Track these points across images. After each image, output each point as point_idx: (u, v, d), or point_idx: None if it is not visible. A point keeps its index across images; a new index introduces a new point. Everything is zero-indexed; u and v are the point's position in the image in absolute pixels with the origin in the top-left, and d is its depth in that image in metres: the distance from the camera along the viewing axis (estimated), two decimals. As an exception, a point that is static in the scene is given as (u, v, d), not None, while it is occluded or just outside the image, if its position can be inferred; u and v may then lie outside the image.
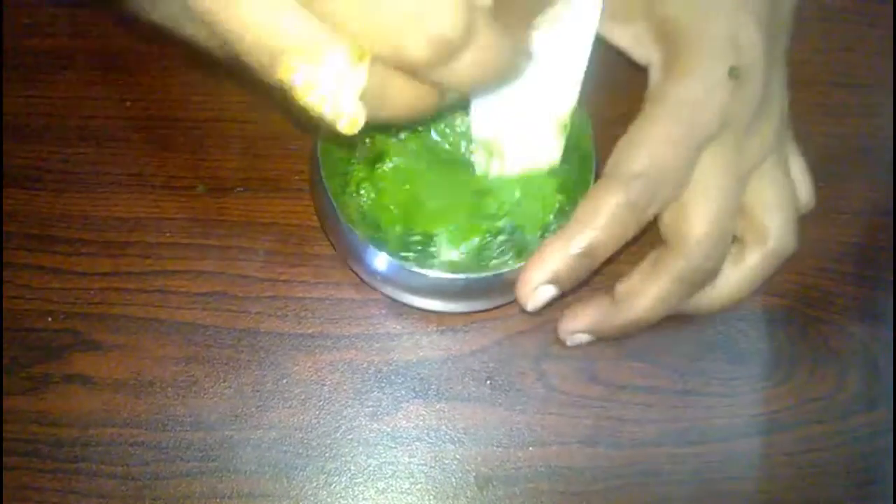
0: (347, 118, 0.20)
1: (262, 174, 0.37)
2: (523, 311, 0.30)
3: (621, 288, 0.31)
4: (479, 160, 0.32)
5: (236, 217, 0.36)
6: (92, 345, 0.34)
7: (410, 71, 0.20)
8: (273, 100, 0.23)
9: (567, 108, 0.30)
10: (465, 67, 0.20)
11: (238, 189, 0.36)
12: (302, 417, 0.33)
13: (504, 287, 0.31)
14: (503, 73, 0.21)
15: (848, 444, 0.35)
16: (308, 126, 0.26)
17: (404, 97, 0.21)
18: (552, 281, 0.29)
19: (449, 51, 0.19)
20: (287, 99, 0.20)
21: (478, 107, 0.30)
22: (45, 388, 0.33)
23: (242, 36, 0.19)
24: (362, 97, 0.20)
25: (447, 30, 0.18)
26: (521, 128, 0.30)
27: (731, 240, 0.31)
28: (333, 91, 0.19)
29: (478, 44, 0.19)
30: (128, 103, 0.38)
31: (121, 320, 0.34)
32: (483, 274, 0.30)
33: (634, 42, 0.31)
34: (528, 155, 0.32)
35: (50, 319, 0.34)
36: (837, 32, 0.41)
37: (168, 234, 0.35)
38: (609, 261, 0.30)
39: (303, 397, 0.34)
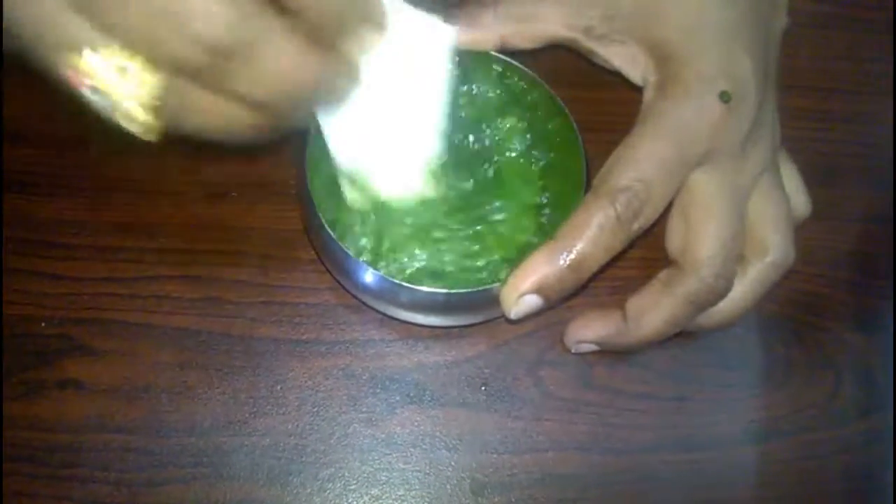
0: (137, 122, 0.21)
1: (255, 179, 0.37)
2: (507, 320, 0.30)
3: (632, 305, 0.31)
4: (345, 190, 0.31)
5: (230, 222, 0.36)
6: (86, 350, 0.34)
7: (195, 76, 0.20)
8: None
9: (428, 145, 0.30)
10: (259, 76, 0.20)
11: (232, 194, 0.36)
12: (296, 423, 0.33)
13: (486, 303, 0.30)
14: (313, 88, 0.21)
15: (843, 451, 0.35)
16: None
17: (207, 109, 0.21)
18: (538, 291, 0.29)
19: (220, 53, 0.19)
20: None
21: (335, 136, 0.29)
22: (39, 394, 0.33)
23: (27, 30, 0.19)
24: (161, 106, 0.20)
25: (211, 30, 0.18)
26: (382, 161, 0.30)
27: (738, 259, 0.31)
28: (111, 90, 0.20)
29: (268, 52, 0.19)
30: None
31: (115, 326, 0.34)
32: (465, 290, 0.30)
33: (630, 63, 0.32)
34: (390, 187, 0.31)
35: (44, 325, 0.34)
36: (835, 39, 0.41)
37: (162, 240, 0.35)
38: (593, 277, 0.30)
39: (297, 403, 0.33)
